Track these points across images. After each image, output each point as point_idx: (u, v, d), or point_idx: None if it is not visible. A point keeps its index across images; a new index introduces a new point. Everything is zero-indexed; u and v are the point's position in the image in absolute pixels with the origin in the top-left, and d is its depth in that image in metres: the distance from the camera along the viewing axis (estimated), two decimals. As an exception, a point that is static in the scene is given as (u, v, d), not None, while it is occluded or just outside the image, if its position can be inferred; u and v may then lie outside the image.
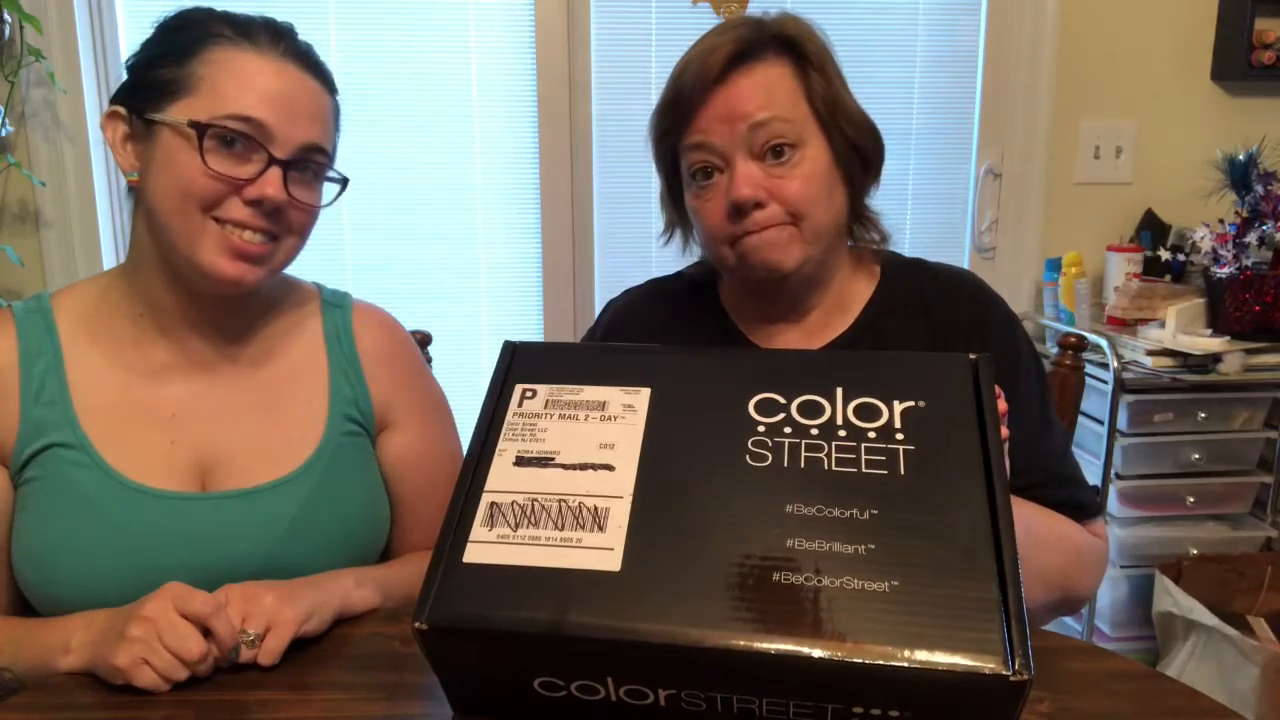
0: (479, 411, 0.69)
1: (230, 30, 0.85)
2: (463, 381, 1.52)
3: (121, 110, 0.87)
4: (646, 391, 0.66)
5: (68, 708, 0.72)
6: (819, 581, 0.53)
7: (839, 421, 0.62)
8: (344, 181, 0.93)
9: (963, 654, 0.50)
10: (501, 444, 0.65)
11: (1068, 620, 2.05)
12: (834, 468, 0.59)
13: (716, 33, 0.94)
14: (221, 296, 0.89)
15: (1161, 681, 0.74)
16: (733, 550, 0.56)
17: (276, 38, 0.86)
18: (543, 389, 0.67)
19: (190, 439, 0.89)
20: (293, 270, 0.97)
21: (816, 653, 0.51)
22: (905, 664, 0.50)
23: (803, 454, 0.60)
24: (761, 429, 0.62)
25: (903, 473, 0.58)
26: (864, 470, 0.59)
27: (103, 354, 0.89)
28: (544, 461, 0.62)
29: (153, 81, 0.85)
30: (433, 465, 1.00)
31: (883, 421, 0.62)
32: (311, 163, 0.88)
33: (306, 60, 0.88)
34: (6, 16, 1.84)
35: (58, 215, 1.99)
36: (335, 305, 1.00)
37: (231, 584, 0.78)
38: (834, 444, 0.60)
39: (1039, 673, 0.60)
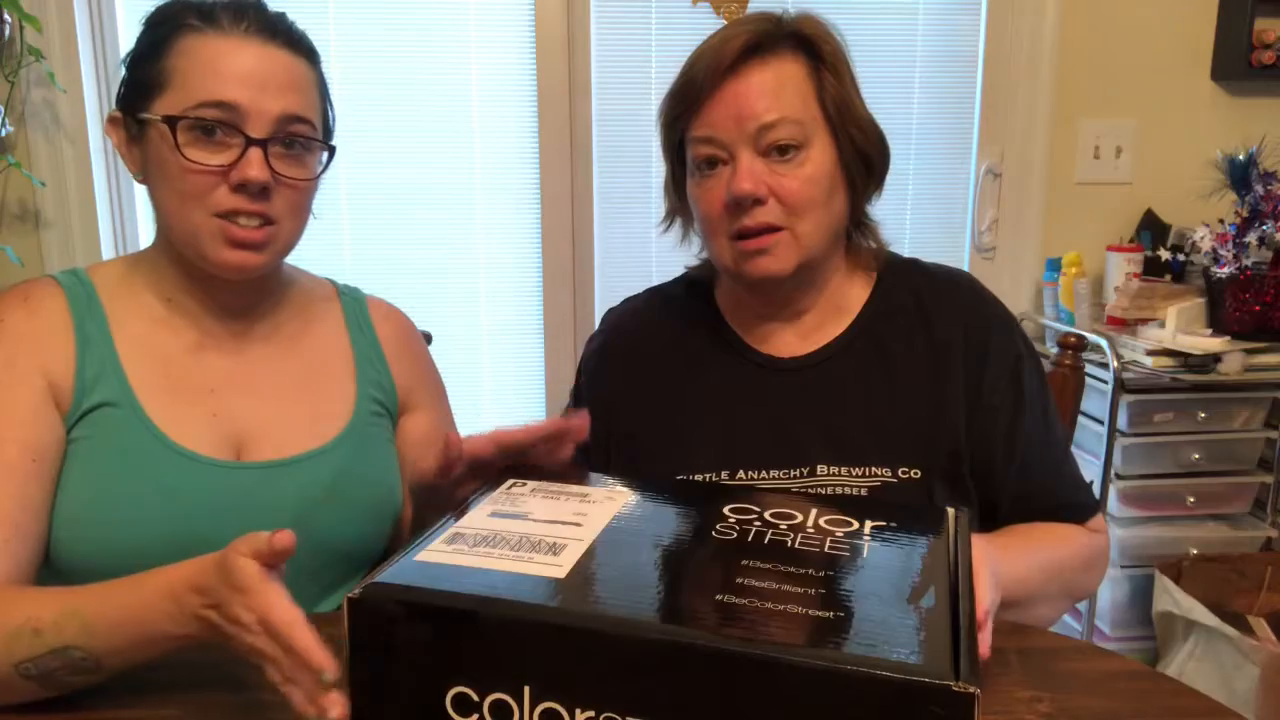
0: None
1: (196, 18, 0.85)
2: (463, 382, 1.52)
3: (118, 114, 0.88)
4: (630, 492, 0.70)
5: (68, 707, 0.72)
6: (762, 604, 0.53)
7: (809, 525, 0.65)
8: (331, 150, 0.93)
9: (907, 667, 0.48)
10: (483, 504, 0.68)
11: (1068, 620, 2.05)
12: (797, 546, 0.61)
13: (734, 25, 0.94)
14: (234, 282, 0.91)
15: (1161, 681, 0.74)
16: (679, 577, 0.57)
17: (240, 16, 0.86)
18: (533, 482, 0.72)
19: (228, 412, 0.91)
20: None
21: (751, 650, 0.49)
22: (846, 668, 0.48)
23: (769, 535, 0.63)
24: (732, 519, 0.65)
25: (865, 555, 0.60)
26: (826, 550, 0.61)
27: (142, 326, 0.91)
28: (517, 517, 0.66)
29: (138, 81, 0.86)
30: None
31: (852, 529, 0.64)
32: (293, 135, 0.87)
33: (274, 31, 0.87)
34: (6, 16, 1.84)
35: (58, 215, 1.99)
36: (352, 297, 1.05)
37: None
38: (800, 535, 0.63)
39: (1039, 672, 0.60)
